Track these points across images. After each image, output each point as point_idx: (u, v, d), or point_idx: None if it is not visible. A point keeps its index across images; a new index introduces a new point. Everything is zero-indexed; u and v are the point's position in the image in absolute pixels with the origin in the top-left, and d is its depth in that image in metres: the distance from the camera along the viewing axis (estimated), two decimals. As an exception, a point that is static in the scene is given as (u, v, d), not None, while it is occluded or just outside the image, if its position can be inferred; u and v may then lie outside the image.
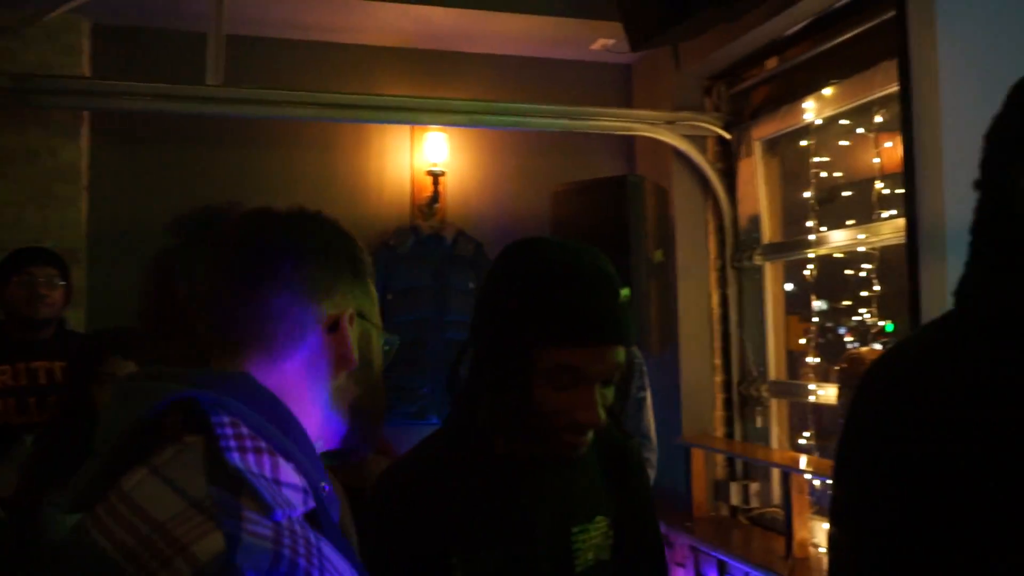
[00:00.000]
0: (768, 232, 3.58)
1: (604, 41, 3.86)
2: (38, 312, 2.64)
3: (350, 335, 0.82)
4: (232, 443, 0.68)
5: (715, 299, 3.75)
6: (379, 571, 1.06)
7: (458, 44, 3.90)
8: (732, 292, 3.71)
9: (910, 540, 0.87)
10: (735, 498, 3.52)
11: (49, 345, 2.68)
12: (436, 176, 3.84)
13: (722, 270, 3.76)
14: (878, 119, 2.96)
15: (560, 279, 1.05)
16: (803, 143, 3.35)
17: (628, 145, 4.09)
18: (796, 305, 3.56)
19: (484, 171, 3.99)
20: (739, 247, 3.70)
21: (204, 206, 3.48)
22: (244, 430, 0.70)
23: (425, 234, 3.80)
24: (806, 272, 3.30)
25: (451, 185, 3.93)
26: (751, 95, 3.69)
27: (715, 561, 3.20)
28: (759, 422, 3.58)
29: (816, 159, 3.28)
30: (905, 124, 2.52)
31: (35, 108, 3.25)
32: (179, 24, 3.49)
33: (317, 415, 0.81)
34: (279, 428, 0.74)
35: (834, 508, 0.98)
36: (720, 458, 3.64)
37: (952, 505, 0.85)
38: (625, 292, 1.09)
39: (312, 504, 0.71)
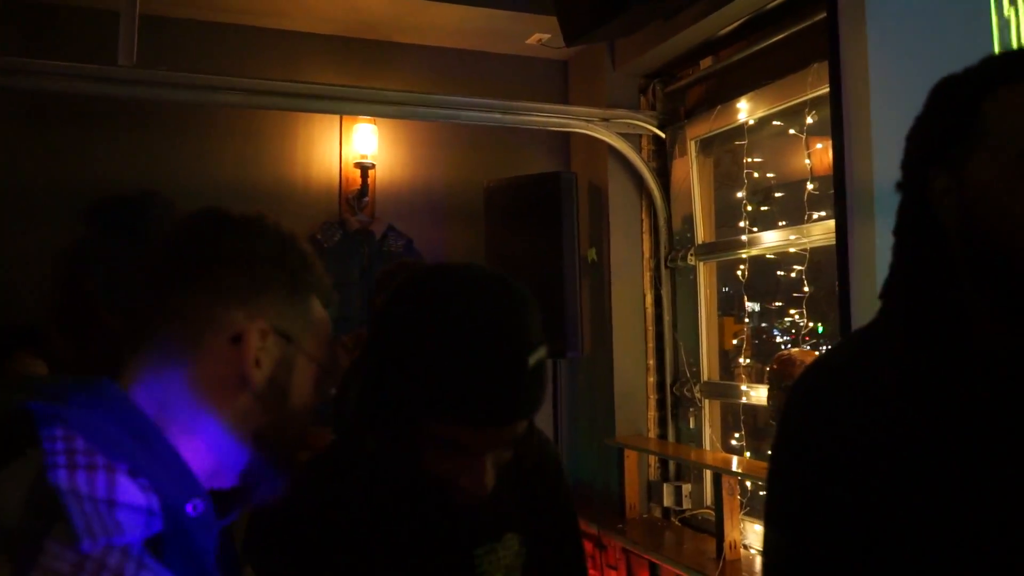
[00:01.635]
0: (702, 232, 3.57)
1: (540, 35, 3.80)
2: None
3: (256, 352, 0.74)
4: (60, 459, 0.63)
5: (649, 299, 3.73)
6: None
7: (390, 34, 3.79)
8: (666, 292, 3.70)
9: (846, 541, 0.87)
10: (668, 499, 3.50)
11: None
12: (365, 168, 3.71)
13: (656, 269, 3.74)
14: (810, 120, 2.97)
15: (460, 349, 0.88)
16: (737, 143, 3.35)
17: (563, 142, 4.04)
18: (729, 306, 3.56)
19: (416, 164, 3.89)
20: (673, 247, 3.68)
21: (117, 195, 3.28)
22: (78, 444, 0.64)
23: (353, 228, 3.68)
24: (739, 272, 3.30)
25: (381, 178, 3.81)
26: (686, 94, 3.68)
27: (647, 563, 3.16)
28: (692, 423, 3.56)
29: (749, 159, 3.28)
30: (835, 126, 2.53)
31: (-72, 86, 3.01)
32: (90, 1, 3.29)
33: (207, 435, 0.73)
34: (136, 441, 0.67)
35: (769, 511, 0.97)
36: (653, 459, 3.61)
37: (884, 505, 0.85)
38: (539, 353, 0.93)
39: (157, 527, 0.65)
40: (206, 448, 0.73)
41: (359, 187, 3.72)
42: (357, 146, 3.73)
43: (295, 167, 3.72)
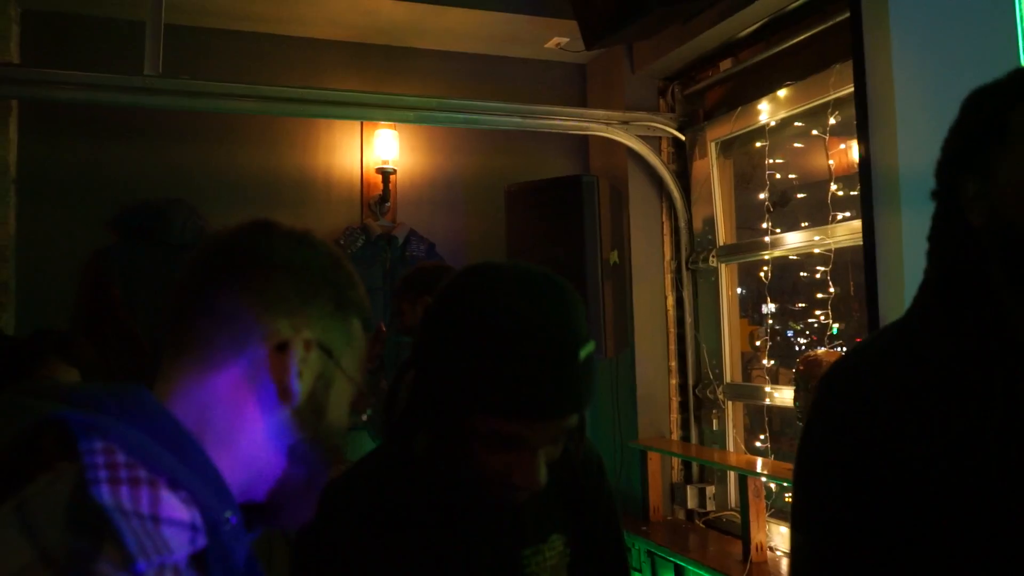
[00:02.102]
0: (723, 234, 3.57)
1: (558, 39, 3.81)
2: None
3: (298, 364, 0.72)
4: (102, 473, 0.59)
5: (670, 301, 3.73)
6: None
7: (409, 39, 3.81)
8: (687, 294, 3.69)
9: (873, 544, 0.87)
10: (691, 501, 3.50)
11: (-29, 349, 2.50)
12: (387, 174, 3.74)
13: (677, 271, 3.74)
14: (832, 121, 2.97)
15: (510, 342, 0.89)
16: (757, 145, 3.35)
17: (583, 145, 4.05)
18: (751, 307, 3.56)
19: (436, 169, 3.91)
20: (694, 249, 3.68)
21: (143, 202, 3.32)
22: (120, 457, 0.60)
23: (376, 234, 3.70)
24: (761, 274, 3.29)
25: (402, 183, 3.83)
26: (705, 96, 3.68)
27: (672, 565, 3.16)
28: (715, 425, 3.56)
29: (770, 161, 3.27)
30: (861, 126, 2.52)
31: (-42, 97, 3.06)
32: (115, 11, 3.33)
33: (244, 446, 0.71)
34: (173, 452, 0.65)
35: (796, 513, 0.97)
36: (676, 461, 3.61)
37: (912, 506, 0.86)
38: (588, 348, 0.94)
39: (203, 543, 0.62)
40: (241, 460, 0.71)
41: (381, 192, 3.74)
42: (378, 152, 3.75)
43: (317, 173, 3.74)
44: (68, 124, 3.38)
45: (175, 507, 0.61)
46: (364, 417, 0.77)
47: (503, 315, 0.91)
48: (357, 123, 3.77)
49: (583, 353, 0.92)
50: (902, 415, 0.88)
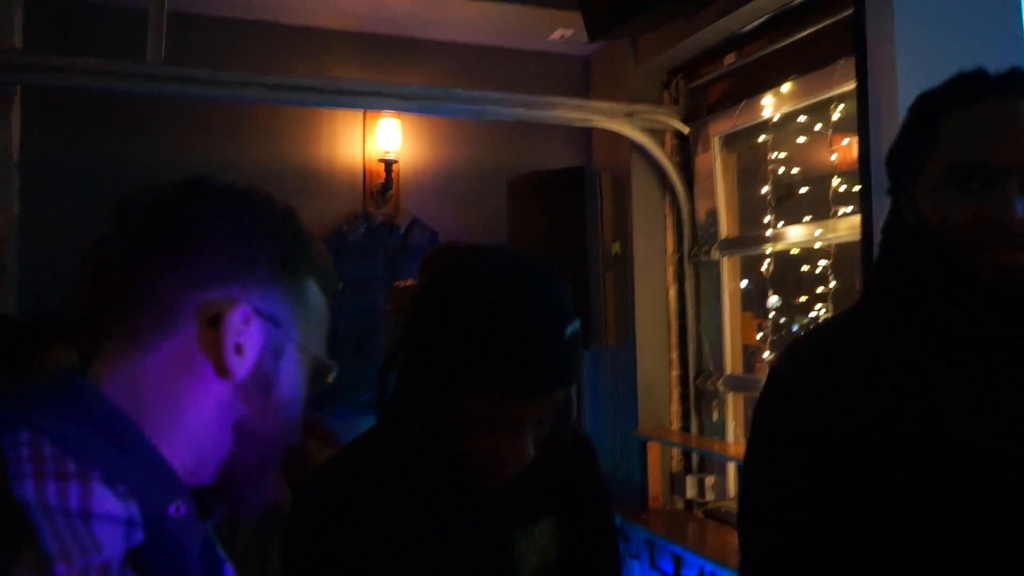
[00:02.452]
0: (726, 227, 3.58)
1: (563, 31, 3.81)
2: None
3: (234, 338, 0.66)
4: (27, 467, 0.56)
5: (672, 293, 3.75)
6: None
7: (412, 29, 3.81)
8: (689, 286, 3.71)
9: (809, 488, 0.99)
10: (691, 491, 3.53)
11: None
12: (389, 163, 3.74)
13: (679, 264, 3.75)
14: (836, 116, 2.97)
15: (498, 322, 0.91)
16: (761, 139, 3.35)
17: (586, 136, 4.05)
18: (752, 301, 3.57)
19: (439, 159, 3.91)
20: (697, 241, 3.69)
21: (146, 189, 3.32)
22: (47, 451, 0.57)
23: (378, 222, 3.71)
24: (763, 268, 3.31)
25: (405, 173, 3.84)
26: (709, 90, 3.69)
27: (670, 554, 3.19)
28: (715, 416, 3.58)
29: (774, 155, 3.28)
30: (862, 121, 2.53)
31: (-39, 83, 3.06)
32: (119, -1, 3.33)
33: (186, 429, 0.66)
34: (110, 442, 0.61)
35: (747, 462, 1.09)
36: (676, 451, 3.64)
37: (844, 461, 0.97)
38: (573, 325, 0.97)
39: (139, 538, 0.59)
40: (185, 443, 0.66)
41: (383, 181, 3.74)
42: (381, 141, 3.76)
43: (319, 162, 3.75)
44: (71, 111, 3.38)
45: (108, 501, 0.58)
46: (330, 379, 0.75)
47: (490, 294, 0.93)
48: (360, 112, 3.77)
49: (569, 330, 0.95)
50: (841, 386, 0.99)
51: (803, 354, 1.08)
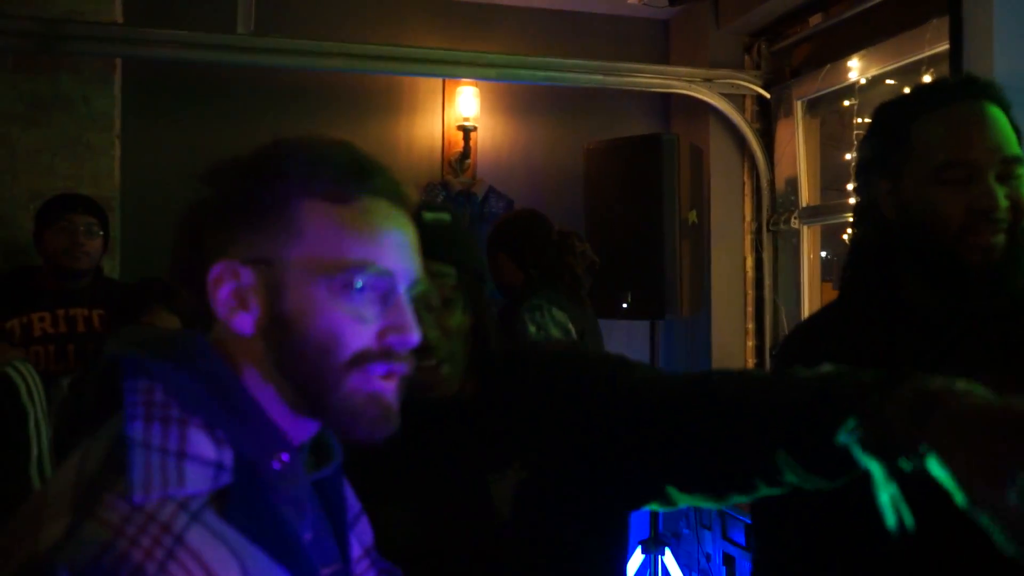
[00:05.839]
0: (806, 195, 3.49)
1: (642, -6, 3.75)
2: (77, 261, 2.62)
3: (231, 295, 0.70)
4: (139, 410, 0.65)
5: (749, 262, 3.69)
6: None
7: (491, -5, 3.82)
8: (767, 256, 3.65)
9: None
10: (763, 462, 3.50)
11: (88, 293, 2.67)
12: (467, 131, 3.78)
13: (757, 233, 3.69)
14: (927, 79, 2.86)
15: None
16: (846, 103, 3.25)
17: (664, 103, 4.00)
18: (832, 271, 3.50)
19: (516, 127, 3.93)
20: (776, 210, 3.62)
21: (234, 158, 3.46)
22: (157, 396, 0.66)
23: (456, 190, 3.76)
24: (845, 237, 3.23)
25: (483, 141, 3.87)
26: (792, 53, 3.58)
27: (743, 526, 3.19)
28: (790, 387, 3.53)
29: (859, 120, 3.18)
30: (956, 84, 2.43)
31: (67, 55, 3.24)
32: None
33: (261, 385, 0.71)
34: (215, 395, 0.68)
35: None
36: (748, 423, 3.61)
37: None
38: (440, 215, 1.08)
39: (226, 480, 0.65)
40: (271, 397, 0.70)
41: (461, 149, 3.79)
42: (460, 109, 3.80)
43: (399, 130, 3.82)
44: (167, 82, 3.54)
45: (203, 445, 0.65)
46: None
47: None
48: (439, 81, 3.81)
49: (428, 216, 1.04)
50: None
51: (797, 343, 1.22)
